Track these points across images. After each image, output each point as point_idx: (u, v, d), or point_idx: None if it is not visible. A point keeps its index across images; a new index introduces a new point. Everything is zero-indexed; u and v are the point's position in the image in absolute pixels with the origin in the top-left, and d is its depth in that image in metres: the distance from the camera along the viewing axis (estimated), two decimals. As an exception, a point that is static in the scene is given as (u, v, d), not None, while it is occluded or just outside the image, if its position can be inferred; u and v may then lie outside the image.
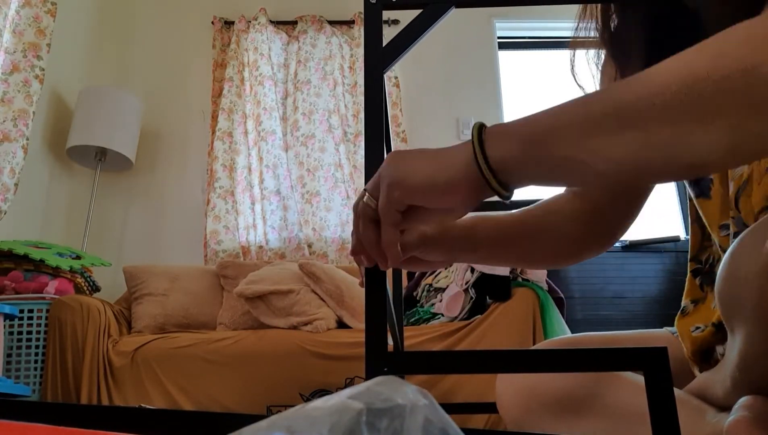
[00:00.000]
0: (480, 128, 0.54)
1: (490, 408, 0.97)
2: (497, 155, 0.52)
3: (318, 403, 0.27)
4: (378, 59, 0.63)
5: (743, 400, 0.51)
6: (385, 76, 0.63)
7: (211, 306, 2.63)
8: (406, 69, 3.46)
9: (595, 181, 0.59)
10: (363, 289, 0.59)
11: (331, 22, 3.59)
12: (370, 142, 0.61)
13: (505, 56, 3.69)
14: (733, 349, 0.55)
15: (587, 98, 0.51)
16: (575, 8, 0.80)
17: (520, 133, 0.52)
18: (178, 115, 3.48)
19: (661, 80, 0.45)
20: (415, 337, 2.12)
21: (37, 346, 2.19)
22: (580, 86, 0.81)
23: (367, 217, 0.57)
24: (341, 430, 0.25)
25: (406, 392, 0.27)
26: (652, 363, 0.53)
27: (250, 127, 3.31)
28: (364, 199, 0.57)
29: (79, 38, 3.32)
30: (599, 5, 0.78)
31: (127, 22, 3.62)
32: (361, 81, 3.44)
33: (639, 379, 0.66)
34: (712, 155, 0.45)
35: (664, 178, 0.50)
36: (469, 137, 0.54)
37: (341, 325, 2.35)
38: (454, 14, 0.67)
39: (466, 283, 2.26)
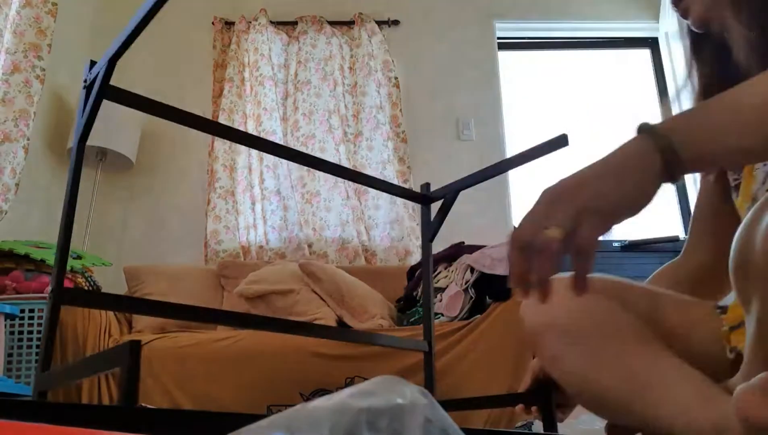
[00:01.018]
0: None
1: (489, 403, 0.98)
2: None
3: (318, 403, 0.27)
4: (82, 134, 0.83)
5: (761, 375, 0.51)
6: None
7: (211, 306, 2.63)
8: (406, 69, 3.45)
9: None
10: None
11: (331, 23, 3.58)
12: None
13: (505, 56, 3.69)
14: (750, 323, 0.55)
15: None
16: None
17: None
18: (179, 115, 3.48)
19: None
20: (414, 337, 2.12)
21: (38, 346, 2.19)
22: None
23: (555, 252, 0.55)
24: (341, 430, 0.25)
25: (405, 392, 0.27)
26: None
27: (251, 128, 3.31)
28: (551, 233, 0.54)
29: (80, 38, 3.32)
30: None
31: (128, 23, 3.61)
32: (361, 81, 3.43)
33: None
34: None
35: None
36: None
37: (341, 324, 2.35)
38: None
39: (465, 283, 2.26)
